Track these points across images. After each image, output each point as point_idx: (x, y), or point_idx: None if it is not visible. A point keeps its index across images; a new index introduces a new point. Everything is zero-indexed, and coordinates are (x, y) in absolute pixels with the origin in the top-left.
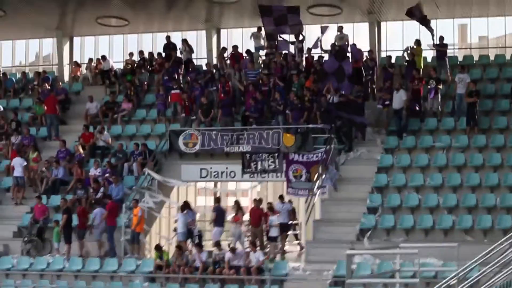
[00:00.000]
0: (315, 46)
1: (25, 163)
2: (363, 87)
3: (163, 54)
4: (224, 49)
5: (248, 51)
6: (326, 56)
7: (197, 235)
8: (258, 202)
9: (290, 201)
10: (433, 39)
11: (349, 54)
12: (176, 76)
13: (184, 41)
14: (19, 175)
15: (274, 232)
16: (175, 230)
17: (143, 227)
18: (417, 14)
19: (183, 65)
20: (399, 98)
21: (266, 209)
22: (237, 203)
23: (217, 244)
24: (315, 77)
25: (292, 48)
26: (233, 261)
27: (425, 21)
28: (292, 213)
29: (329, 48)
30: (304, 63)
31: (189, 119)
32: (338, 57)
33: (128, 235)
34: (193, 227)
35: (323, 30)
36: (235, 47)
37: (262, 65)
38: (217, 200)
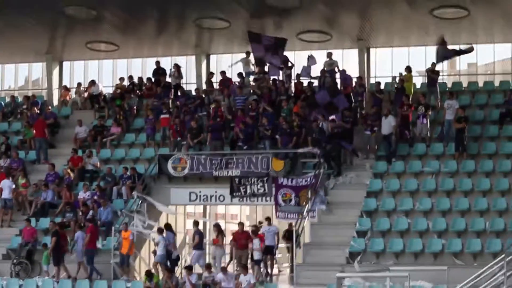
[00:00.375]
0: (302, 74)
1: (14, 186)
2: (352, 113)
3: (153, 79)
4: (212, 74)
5: (239, 74)
6: (316, 82)
7: (174, 259)
8: (241, 225)
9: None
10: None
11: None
12: (166, 100)
13: (176, 66)
14: (7, 197)
15: (257, 255)
16: (154, 252)
17: (134, 250)
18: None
19: (173, 90)
20: (387, 124)
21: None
22: (217, 226)
23: (208, 266)
24: (304, 103)
25: (281, 74)
26: (223, 283)
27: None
28: (277, 236)
29: (318, 74)
30: (293, 89)
31: (179, 143)
32: (330, 93)
33: (117, 258)
34: (172, 250)
35: (309, 60)
36: (223, 73)
37: (251, 91)
38: (196, 223)
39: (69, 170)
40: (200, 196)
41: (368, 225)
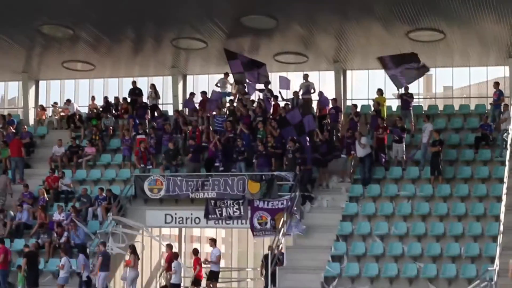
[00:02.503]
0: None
1: None
2: (328, 135)
3: (129, 99)
4: (193, 94)
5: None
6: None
7: (84, 281)
8: (168, 246)
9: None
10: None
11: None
12: (142, 121)
13: (152, 86)
14: None
15: (174, 279)
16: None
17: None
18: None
19: (149, 110)
20: (360, 147)
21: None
22: (131, 247)
23: None
24: (275, 124)
25: (259, 95)
26: None
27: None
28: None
29: (292, 96)
30: (271, 110)
31: (146, 169)
32: (302, 111)
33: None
34: (83, 272)
35: (281, 82)
36: (203, 93)
37: (227, 112)
38: (103, 244)
39: (44, 191)
40: (175, 218)
41: (343, 249)
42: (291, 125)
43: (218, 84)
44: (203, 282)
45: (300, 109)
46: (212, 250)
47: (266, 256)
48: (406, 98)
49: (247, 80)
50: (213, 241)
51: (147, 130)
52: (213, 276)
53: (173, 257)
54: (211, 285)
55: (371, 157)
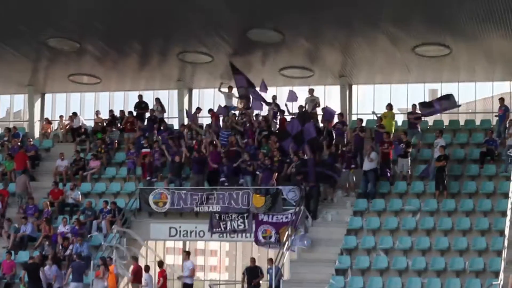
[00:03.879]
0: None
1: None
2: (333, 149)
3: (134, 113)
4: (199, 109)
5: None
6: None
7: None
8: (134, 259)
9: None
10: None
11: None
12: (149, 134)
13: (157, 100)
14: None
15: None
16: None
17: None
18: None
19: (156, 124)
20: (368, 161)
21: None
22: (101, 259)
23: None
24: (274, 138)
25: (265, 109)
26: None
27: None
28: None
29: (296, 110)
30: (278, 125)
31: (151, 182)
32: (301, 120)
33: None
34: (54, 282)
35: (289, 95)
36: (211, 111)
37: (232, 126)
38: (103, 260)
39: (48, 203)
40: (180, 231)
41: (348, 263)
42: (290, 135)
43: (222, 91)
44: None
45: (300, 116)
46: (185, 263)
47: (247, 269)
48: (413, 121)
49: (251, 97)
50: (186, 254)
51: (152, 144)
52: None
53: (144, 270)
54: None
55: (376, 172)
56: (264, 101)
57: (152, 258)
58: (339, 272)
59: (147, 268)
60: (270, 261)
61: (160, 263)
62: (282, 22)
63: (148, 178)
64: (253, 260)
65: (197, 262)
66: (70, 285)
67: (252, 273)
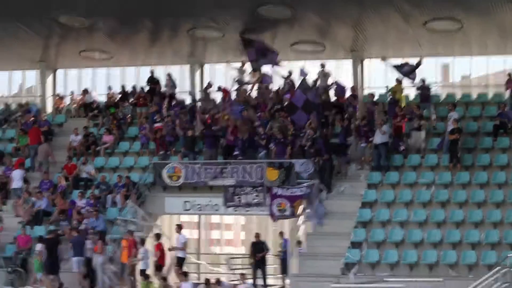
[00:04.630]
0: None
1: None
2: (345, 123)
3: (146, 88)
4: (210, 84)
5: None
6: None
7: None
8: (130, 233)
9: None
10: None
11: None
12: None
13: (169, 75)
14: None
15: (142, 265)
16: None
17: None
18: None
19: (167, 99)
20: (381, 134)
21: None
22: (97, 234)
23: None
24: (283, 114)
25: (278, 83)
26: None
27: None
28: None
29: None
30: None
31: (166, 155)
32: (303, 90)
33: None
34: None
35: (301, 72)
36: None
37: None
38: (77, 231)
39: (62, 178)
40: (194, 205)
41: (363, 236)
42: (299, 108)
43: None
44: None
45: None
46: (178, 236)
47: (253, 244)
48: (423, 92)
49: (264, 68)
50: (179, 227)
51: (164, 119)
52: (179, 262)
53: (139, 243)
54: (179, 272)
55: (387, 145)
56: (275, 63)
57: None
58: (354, 245)
59: (142, 242)
60: (280, 234)
61: (157, 236)
62: None
63: (162, 152)
64: (257, 235)
65: (213, 236)
66: (71, 260)
67: (257, 247)
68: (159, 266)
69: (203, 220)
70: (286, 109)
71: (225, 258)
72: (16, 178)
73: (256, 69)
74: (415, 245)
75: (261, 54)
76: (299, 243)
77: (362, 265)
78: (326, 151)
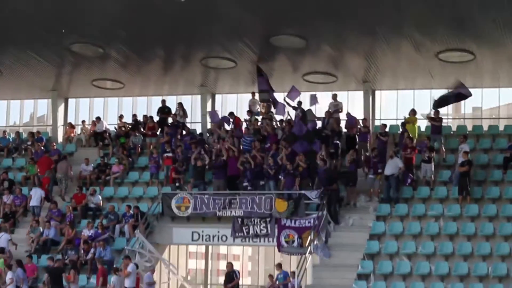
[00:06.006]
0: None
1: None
2: (356, 155)
3: (157, 118)
4: (232, 114)
5: (248, 112)
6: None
7: None
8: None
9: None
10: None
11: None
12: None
13: (180, 105)
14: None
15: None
16: None
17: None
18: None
19: (181, 129)
20: (392, 165)
21: None
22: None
23: None
24: (285, 143)
25: (291, 114)
26: None
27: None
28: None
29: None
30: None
31: (181, 186)
32: (303, 120)
33: None
34: (22, 286)
35: (311, 100)
36: (231, 114)
37: (255, 130)
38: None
39: (71, 208)
40: (202, 236)
41: (370, 268)
42: (300, 138)
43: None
44: None
45: (301, 118)
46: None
47: (226, 274)
48: (434, 123)
49: (275, 102)
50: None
51: (174, 150)
52: None
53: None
54: None
55: (398, 177)
56: (287, 104)
57: (173, 262)
58: (361, 277)
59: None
60: (278, 266)
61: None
62: (305, 28)
63: (176, 184)
64: (229, 265)
65: (220, 266)
66: None
67: (228, 277)
68: None
69: (210, 250)
70: (286, 139)
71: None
72: (36, 196)
73: (265, 99)
74: (422, 278)
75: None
76: (293, 273)
77: None
78: (333, 181)
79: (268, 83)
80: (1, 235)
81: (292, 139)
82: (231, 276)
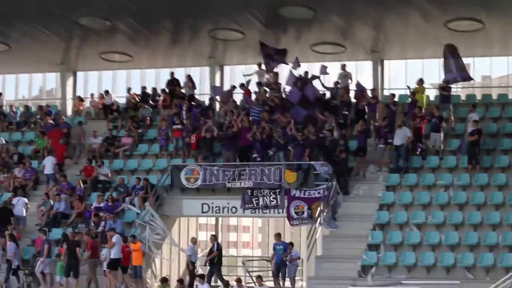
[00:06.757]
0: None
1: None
2: (365, 124)
3: (167, 90)
4: (234, 87)
5: (258, 83)
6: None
7: (13, 268)
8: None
9: None
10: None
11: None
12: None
13: (188, 77)
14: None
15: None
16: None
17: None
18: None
19: (187, 101)
20: (401, 135)
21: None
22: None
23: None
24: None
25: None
26: None
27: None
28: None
29: (331, 85)
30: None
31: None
32: (298, 86)
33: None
34: (13, 260)
35: (321, 69)
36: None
37: (263, 101)
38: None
39: (81, 181)
40: (212, 207)
41: (380, 238)
42: (294, 104)
43: (255, 75)
44: None
45: (296, 84)
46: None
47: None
48: (443, 92)
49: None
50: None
51: (183, 121)
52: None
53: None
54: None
55: (407, 146)
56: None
57: (184, 234)
58: (371, 248)
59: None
60: (278, 236)
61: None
62: None
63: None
64: (212, 238)
65: (230, 238)
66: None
67: (210, 250)
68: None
69: (220, 222)
70: (283, 107)
71: (242, 260)
72: (48, 165)
73: (269, 70)
74: (432, 248)
75: (275, 54)
76: (291, 245)
77: (379, 267)
78: (340, 151)
79: (274, 50)
80: (18, 199)
81: (287, 106)
82: (211, 249)
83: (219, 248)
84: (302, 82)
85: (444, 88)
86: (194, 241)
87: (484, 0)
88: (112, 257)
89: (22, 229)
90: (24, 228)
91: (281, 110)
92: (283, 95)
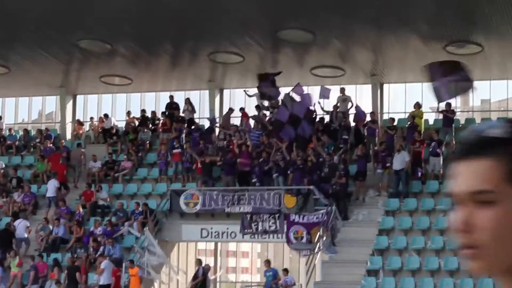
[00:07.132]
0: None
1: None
2: (365, 148)
3: (166, 113)
4: (231, 110)
5: (256, 106)
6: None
7: None
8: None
9: None
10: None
11: (297, 98)
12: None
13: (187, 100)
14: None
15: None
16: None
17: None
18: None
19: (186, 125)
20: (399, 160)
21: None
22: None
23: None
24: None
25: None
26: None
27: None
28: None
29: (330, 109)
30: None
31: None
32: (286, 104)
33: None
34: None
35: (322, 91)
36: (242, 109)
37: (263, 125)
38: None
39: (80, 206)
40: (211, 232)
41: (379, 263)
42: (284, 123)
43: (253, 96)
44: None
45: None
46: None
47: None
48: (446, 115)
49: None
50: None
51: (183, 145)
52: None
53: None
54: None
55: (407, 171)
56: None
57: (183, 259)
58: (370, 273)
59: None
60: (267, 263)
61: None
62: (312, 22)
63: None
64: (197, 261)
65: (229, 263)
66: None
67: (194, 276)
68: None
69: (219, 247)
70: (273, 127)
71: (241, 286)
72: (51, 187)
73: (266, 96)
74: (431, 273)
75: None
76: (285, 271)
77: None
78: (340, 176)
79: (271, 82)
80: (19, 222)
81: (278, 126)
82: (196, 274)
83: (204, 273)
84: (287, 101)
85: (447, 111)
86: (199, 262)
87: (483, 23)
88: (101, 283)
89: (25, 250)
90: (28, 249)
91: (274, 133)
92: (272, 117)
